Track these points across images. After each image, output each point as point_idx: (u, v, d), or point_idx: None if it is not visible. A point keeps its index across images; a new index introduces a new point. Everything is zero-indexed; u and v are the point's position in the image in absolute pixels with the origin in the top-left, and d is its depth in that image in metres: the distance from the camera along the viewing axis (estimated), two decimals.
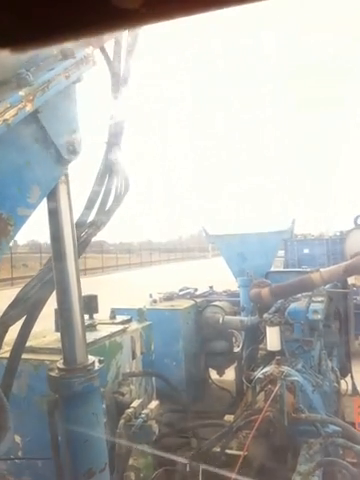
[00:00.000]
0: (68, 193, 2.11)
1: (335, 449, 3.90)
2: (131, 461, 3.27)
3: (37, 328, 2.60)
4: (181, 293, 6.64)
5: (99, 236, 2.58)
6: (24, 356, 3.19)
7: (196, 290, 6.95)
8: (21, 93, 1.56)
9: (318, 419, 3.98)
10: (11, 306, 2.19)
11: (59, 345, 3.31)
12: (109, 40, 2.49)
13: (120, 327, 4.03)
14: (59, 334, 3.42)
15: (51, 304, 2.40)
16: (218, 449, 4.18)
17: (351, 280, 5.92)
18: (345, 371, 5.92)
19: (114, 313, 4.57)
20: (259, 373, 4.30)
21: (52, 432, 2.76)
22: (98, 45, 2.18)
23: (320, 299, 5.01)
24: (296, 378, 4.15)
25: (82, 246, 2.34)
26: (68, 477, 2.40)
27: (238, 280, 6.31)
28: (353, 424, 4.35)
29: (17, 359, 2.27)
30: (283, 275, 5.91)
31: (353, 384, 5.91)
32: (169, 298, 6.25)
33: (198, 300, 6.26)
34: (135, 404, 3.21)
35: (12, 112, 1.49)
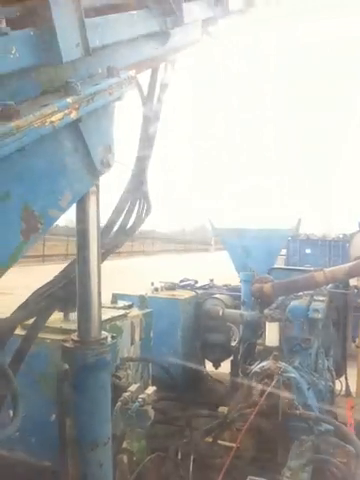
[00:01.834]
0: (97, 204, 2.23)
1: (326, 447, 3.92)
2: (125, 444, 3.30)
3: None
4: (182, 284, 6.65)
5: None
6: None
7: (196, 282, 6.96)
8: (68, 100, 1.66)
9: (312, 417, 4.00)
10: (21, 307, 2.26)
11: (61, 325, 3.37)
12: (148, 68, 2.62)
13: (121, 312, 4.05)
14: (61, 314, 3.47)
15: None
16: (210, 439, 4.22)
17: (353, 282, 5.92)
18: (340, 372, 5.95)
19: (116, 298, 4.60)
20: (256, 367, 4.32)
21: (59, 403, 2.87)
22: (139, 71, 2.30)
23: (321, 298, 5.02)
24: (293, 375, 4.17)
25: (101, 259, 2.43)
26: (72, 449, 2.46)
27: (240, 274, 6.32)
28: (345, 424, 4.38)
29: (20, 361, 2.27)
30: (286, 272, 5.91)
31: (347, 385, 5.94)
32: (170, 288, 6.26)
33: (199, 292, 6.28)
34: (132, 388, 3.23)
35: (58, 116, 1.60)
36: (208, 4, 3.14)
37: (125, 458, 3.25)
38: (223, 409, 4.32)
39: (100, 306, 2.39)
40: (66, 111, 1.64)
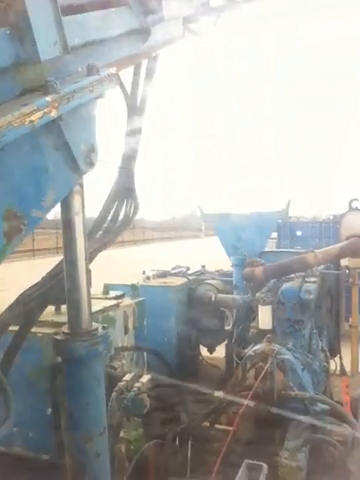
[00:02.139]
0: (82, 203, 2.24)
1: (322, 427, 3.95)
2: (122, 433, 3.30)
3: None
4: (173, 271, 6.64)
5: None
6: (15, 328, 3.21)
7: (188, 269, 6.96)
8: (48, 98, 1.65)
9: (307, 397, 4.03)
10: (10, 308, 2.26)
11: (52, 318, 3.34)
12: (130, 65, 2.62)
13: (113, 302, 4.03)
14: (52, 307, 3.45)
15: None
16: (207, 424, 4.24)
17: (344, 262, 5.93)
18: (334, 351, 5.98)
19: (107, 288, 4.58)
20: (250, 351, 4.34)
21: (53, 396, 2.89)
22: (120, 68, 2.29)
23: (313, 280, 5.02)
24: (287, 356, 4.19)
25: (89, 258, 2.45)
26: (67, 440, 2.46)
27: (232, 259, 6.32)
28: (340, 403, 4.42)
29: (10, 361, 2.27)
30: (277, 255, 5.91)
31: (341, 364, 5.98)
32: (162, 275, 6.25)
33: (191, 278, 6.27)
34: (127, 377, 3.23)
35: (38, 115, 1.58)
36: (189, 1, 3.13)
37: (123, 447, 3.26)
38: (219, 393, 4.33)
39: (89, 297, 2.38)
40: (45, 110, 1.63)
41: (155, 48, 2.80)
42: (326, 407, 3.98)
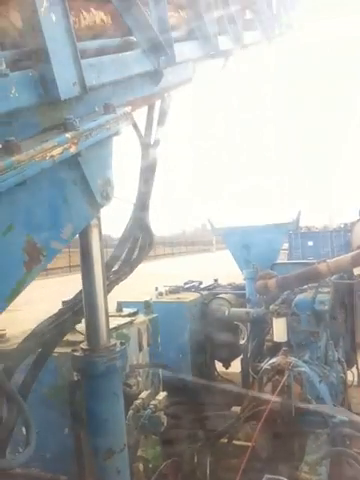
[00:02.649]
0: (100, 236, 2.32)
1: (342, 439, 3.90)
2: (139, 452, 3.28)
3: (40, 315, 2.61)
4: (186, 286, 6.63)
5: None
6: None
7: (201, 283, 6.95)
8: (68, 135, 1.75)
9: (325, 410, 3.98)
10: (27, 339, 2.28)
11: (68, 337, 3.34)
12: (144, 105, 2.76)
13: (127, 319, 4.03)
14: None
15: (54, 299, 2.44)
16: (225, 440, 4.20)
17: (357, 271, 5.89)
18: (351, 362, 5.92)
19: (121, 306, 4.58)
20: (266, 364, 4.30)
21: (73, 413, 2.88)
22: (135, 108, 2.41)
23: (326, 290, 4.99)
24: (303, 369, 4.15)
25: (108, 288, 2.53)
26: (87, 458, 2.47)
27: (244, 272, 6.30)
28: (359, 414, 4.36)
29: (29, 387, 2.27)
30: (289, 267, 5.90)
31: (359, 375, 5.92)
32: (175, 291, 6.24)
33: (204, 293, 6.25)
34: (143, 395, 3.22)
35: (58, 150, 1.67)
36: (199, 44, 3.27)
37: (141, 466, 3.23)
38: (236, 409, 4.30)
39: (107, 313, 2.42)
40: (65, 146, 1.72)
41: (167, 90, 2.92)
42: (345, 419, 3.92)
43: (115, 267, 2.77)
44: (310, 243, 17.99)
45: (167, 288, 6.26)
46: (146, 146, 2.86)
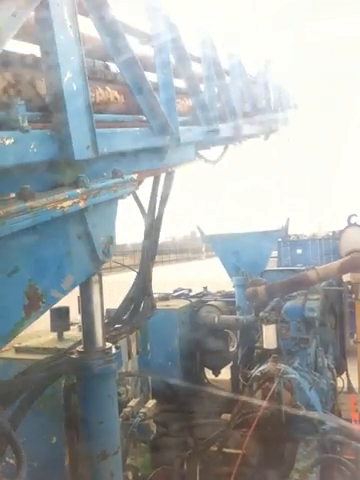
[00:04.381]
0: (100, 292, 2.41)
1: (333, 446, 3.89)
2: (129, 460, 3.25)
3: (32, 328, 2.60)
4: (175, 294, 6.62)
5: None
6: (19, 356, 3.19)
7: (190, 291, 6.93)
8: (78, 191, 1.90)
9: (315, 416, 3.98)
10: (23, 373, 2.37)
11: (55, 345, 3.32)
12: (148, 176, 2.96)
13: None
14: (55, 334, 3.43)
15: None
16: (215, 448, 4.18)
17: (346, 278, 5.92)
18: (341, 369, 5.92)
19: (109, 314, 4.55)
20: (256, 371, 4.29)
21: (67, 415, 2.90)
22: (139, 179, 2.59)
23: (316, 297, 5.00)
24: (293, 375, 4.15)
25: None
26: (81, 459, 2.46)
27: (233, 279, 6.30)
28: (350, 421, 4.36)
29: (20, 419, 2.30)
30: (279, 274, 5.90)
31: (349, 381, 5.92)
32: (164, 298, 6.22)
33: (193, 300, 6.24)
34: (132, 403, 3.19)
35: (68, 203, 1.81)
36: (202, 130, 3.59)
37: (130, 474, 3.20)
38: (226, 416, 4.28)
39: (103, 316, 2.46)
40: (75, 200, 1.86)
41: (171, 166, 3.18)
42: (335, 426, 3.92)
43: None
44: (299, 251, 18.04)
45: (156, 295, 6.23)
46: (149, 221, 3.06)
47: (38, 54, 1.92)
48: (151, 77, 2.85)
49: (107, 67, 2.79)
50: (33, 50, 2.06)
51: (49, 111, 1.90)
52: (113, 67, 2.77)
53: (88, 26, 2.24)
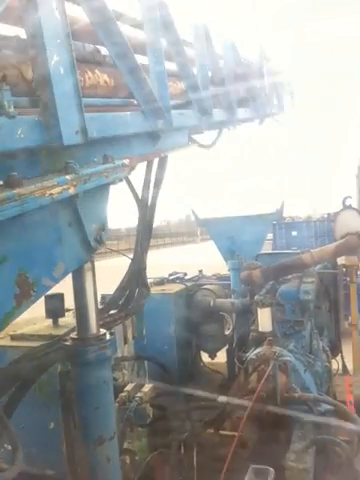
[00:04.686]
0: (93, 280, 2.40)
1: (327, 427, 3.93)
2: (126, 445, 3.27)
3: (27, 315, 2.59)
4: (171, 278, 6.62)
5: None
6: (14, 343, 3.19)
7: (185, 275, 6.94)
8: (67, 177, 1.86)
9: (310, 398, 4.01)
10: (18, 360, 2.36)
11: (50, 332, 3.32)
12: (141, 161, 2.90)
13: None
14: (50, 321, 3.43)
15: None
16: (212, 431, 4.21)
17: (341, 260, 5.93)
18: (336, 351, 5.96)
19: (105, 299, 4.54)
20: (251, 354, 4.32)
21: (63, 401, 2.93)
22: (132, 164, 2.54)
23: (310, 280, 5.01)
24: (288, 358, 4.17)
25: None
26: (78, 445, 2.48)
27: (229, 263, 6.30)
28: (344, 402, 4.40)
29: (14, 407, 2.31)
30: (273, 257, 5.89)
31: (343, 363, 5.97)
32: (159, 283, 6.22)
33: (188, 284, 6.25)
34: (129, 388, 3.21)
35: (57, 190, 1.77)
36: (194, 114, 3.54)
37: (127, 458, 3.23)
38: (223, 399, 4.30)
39: (97, 303, 2.46)
40: (65, 186, 1.82)
41: (164, 151, 3.13)
42: (330, 407, 3.96)
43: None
44: (294, 233, 18.09)
45: (152, 280, 6.23)
46: (143, 207, 3.01)
47: (24, 36, 1.87)
48: (142, 60, 2.79)
49: (97, 50, 2.73)
50: (18, 33, 2.01)
51: (36, 96, 1.86)
52: (104, 50, 2.69)
53: (78, 8, 2.20)
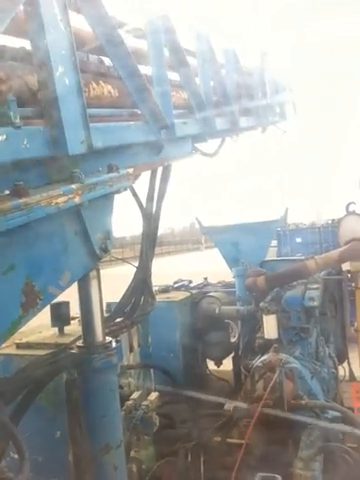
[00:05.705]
0: (99, 288, 2.42)
1: (335, 434, 3.91)
2: (133, 453, 3.26)
3: (33, 323, 2.60)
4: (176, 285, 6.61)
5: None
6: (20, 352, 3.19)
7: (190, 282, 6.92)
8: (73, 186, 1.88)
9: (318, 405, 3.99)
10: (23, 369, 2.35)
11: (56, 340, 3.32)
12: (145, 170, 2.95)
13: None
14: (56, 329, 3.43)
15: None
16: (219, 439, 4.19)
17: (345, 266, 5.91)
18: (342, 357, 5.93)
19: (110, 307, 4.54)
20: (257, 361, 4.30)
21: (70, 409, 2.89)
22: (136, 172, 2.60)
23: (315, 286, 5.00)
24: (295, 365, 4.16)
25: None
26: (85, 454, 2.52)
27: (233, 270, 6.29)
28: (352, 409, 4.37)
29: (20, 415, 2.32)
30: (278, 264, 5.89)
31: (350, 370, 5.93)
32: (165, 290, 6.21)
33: (193, 291, 6.23)
34: (135, 396, 3.20)
35: (63, 199, 1.79)
36: (197, 123, 3.58)
37: (134, 467, 3.22)
38: (229, 407, 4.29)
39: (103, 311, 2.48)
40: (70, 195, 1.84)
41: (167, 161, 3.17)
42: (337, 414, 3.93)
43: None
44: (298, 240, 18.04)
45: (157, 288, 6.23)
46: (147, 216, 3.04)
47: (29, 48, 1.90)
48: (145, 70, 2.83)
49: (101, 61, 2.76)
50: (24, 45, 2.03)
51: (42, 106, 1.88)
52: (107, 61, 2.73)
53: (81, 20, 2.23)
